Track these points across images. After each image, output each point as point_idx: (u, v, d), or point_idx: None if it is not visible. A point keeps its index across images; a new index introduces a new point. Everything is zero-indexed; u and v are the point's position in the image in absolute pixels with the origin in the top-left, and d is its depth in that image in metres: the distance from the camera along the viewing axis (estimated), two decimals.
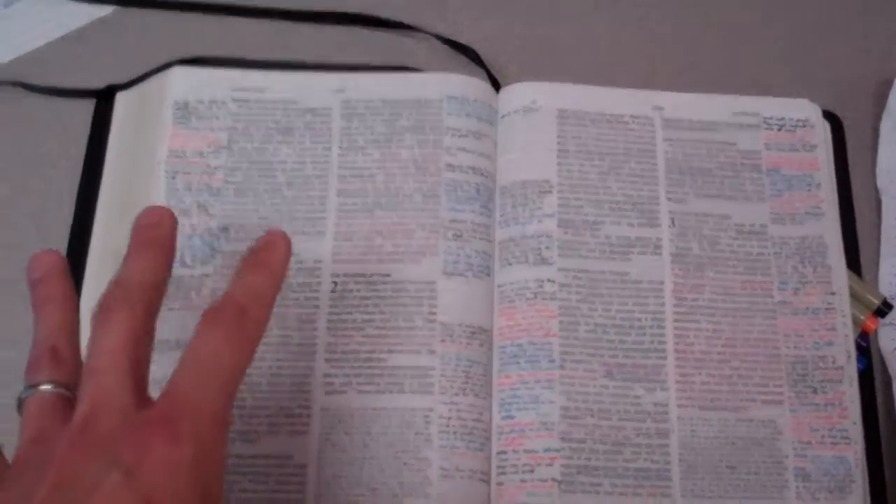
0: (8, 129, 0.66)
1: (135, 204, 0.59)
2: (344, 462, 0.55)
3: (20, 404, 0.42)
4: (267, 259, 0.44)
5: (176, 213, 0.57)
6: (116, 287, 0.42)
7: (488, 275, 0.60)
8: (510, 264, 0.60)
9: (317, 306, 0.58)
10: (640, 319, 0.59)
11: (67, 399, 0.41)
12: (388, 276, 0.58)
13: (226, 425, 0.39)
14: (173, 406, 0.37)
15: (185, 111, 0.62)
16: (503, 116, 0.64)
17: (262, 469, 0.55)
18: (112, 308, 0.41)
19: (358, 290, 0.58)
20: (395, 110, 0.63)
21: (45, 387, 0.42)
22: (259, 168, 0.61)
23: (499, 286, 0.60)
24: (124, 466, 0.35)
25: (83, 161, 0.64)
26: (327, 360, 0.57)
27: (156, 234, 0.45)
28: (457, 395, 0.56)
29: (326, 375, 0.57)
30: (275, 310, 0.54)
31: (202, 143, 0.62)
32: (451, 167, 0.61)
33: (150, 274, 0.43)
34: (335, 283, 0.58)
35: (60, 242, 0.62)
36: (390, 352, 0.57)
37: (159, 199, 0.60)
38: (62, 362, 0.43)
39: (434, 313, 0.58)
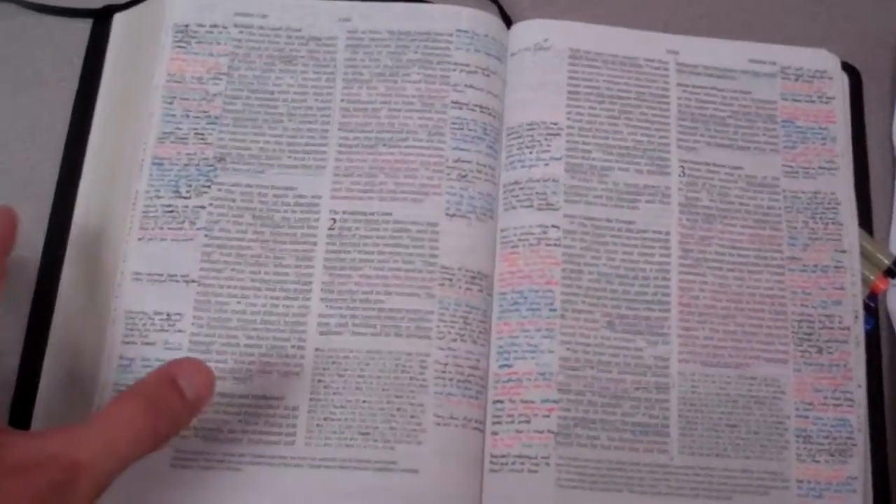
0: None
1: (130, 129, 0.58)
2: (336, 405, 0.53)
3: None
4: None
5: (171, 140, 0.57)
6: None
7: (492, 218, 0.58)
8: (514, 208, 0.58)
9: (314, 243, 0.56)
10: (644, 270, 0.57)
11: None
12: (389, 214, 0.57)
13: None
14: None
15: (185, 34, 0.60)
16: (513, 54, 0.62)
17: (251, 409, 0.54)
18: None
19: (357, 229, 0.56)
20: (401, 42, 0.60)
21: None
22: (259, 97, 0.59)
23: (502, 230, 0.58)
24: None
25: (78, 83, 0.62)
26: (323, 300, 0.55)
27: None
28: (454, 340, 0.55)
29: (322, 315, 0.55)
30: (270, 245, 0.54)
31: (201, 69, 0.60)
32: (457, 104, 0.59)
33: None
34: (334, 219, 0.57)
35: (52, 165, 0.60)
36: (388, 293, 0.55)
37: (155, 124, 0.58)
38: None
39: (435, 255, 0.56)
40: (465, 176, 0.58)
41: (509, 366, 0.55)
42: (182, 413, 0.45)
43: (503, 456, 0.54)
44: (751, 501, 0.54)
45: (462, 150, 0.58)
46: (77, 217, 0.58)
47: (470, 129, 0.59)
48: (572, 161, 0.59)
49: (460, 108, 0.59)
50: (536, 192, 0.58)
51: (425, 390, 0.54)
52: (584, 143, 0.59)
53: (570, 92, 0.60)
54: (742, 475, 0.55)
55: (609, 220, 0.58)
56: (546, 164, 0.59)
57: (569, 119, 0.60)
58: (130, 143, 0.58)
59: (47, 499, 0.39)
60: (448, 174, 0.57)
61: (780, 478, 0.55)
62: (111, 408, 0.43)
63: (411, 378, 0.54)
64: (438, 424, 0.53)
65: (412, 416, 0.53)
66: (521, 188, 0.58)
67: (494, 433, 0.55)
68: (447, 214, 0.57)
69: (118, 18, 0.63)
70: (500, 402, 0.55)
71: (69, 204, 0.58)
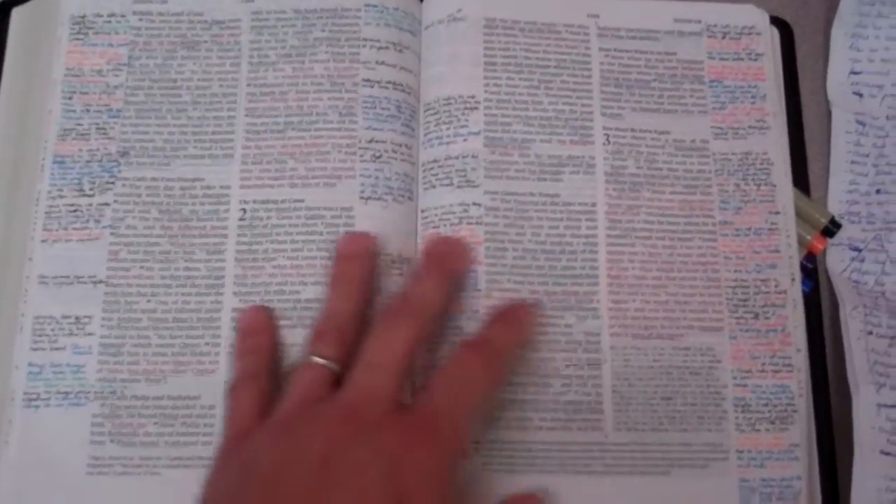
0: None
1: (31, 128, 0.56)
2: None
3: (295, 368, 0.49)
4: (521, 320, 0.52)
5: (72, 137, 0.55)
6: (406, 300, 0.49)
7: (410, 199, 0.56)
8: (434, 187, 0.56)
9: (224, 235, 0.54)
10: (571, 244, 0.56)
11: (337, 377, 0.47)
12: (302, 201, 0.55)
13: (470, 435, 0.48)
14: (435, 416, 0.45)
15: (82, 26, 0.58)
16: (427, 27, 0.59)
17: (168, 411, 0.52)
18: (400, 315, 0.48)
19: (269, 218, 0.55)
20: (308, 21, 0.58)
21: (322, 361, 0.48)
22: (162, 86, 0.57)
23: (422, 211, 0.56)
24: (388, 456, 0.42)
25: None
26: (236, 294, 0.54)
27: (450, 266, 0.53)
28: None
29: (235, 310, 0.53)
30: (179, 240, 0.53)
31: (101, 61, 0.57)
32: (369, 82, 0.57)
33: (438, 296, 0.50)
34: (244, 209, 0.55)
35: None
36: (303, 284, 0.54)
37: (55, 120, 0.56)
38: (344, 344, 0.49)
39: None
40: (379, 157, 0.56)
41: (434, 350, 0.54)
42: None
43: None
44: (690, 475, 0.53)
45: (375, 129, 0.56)
46: None
47: (383, 108, 0.57)
48: (491, 135, 0.57)
49: (372, 87, 0.57)
50: (456, 170, 0.56)
51: None
52: (503, 115, 0.57)
53: (486, 63, 0.58)
54: (680, 448, 0.54)
55: (532, 195, 0.56)
56: (464, 140, 0.57)
57: (486, 91, 0.58)
58: (32, 143, 0.56)
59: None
60: (361, 156, 0.56)
61: (720, 449, 0.54)
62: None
63: None
64: None
65: None
66: (440, 166, 0.57)
67: None
68: (362, 198, 0.55)
69: (16, 13, 0.60)
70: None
71: None
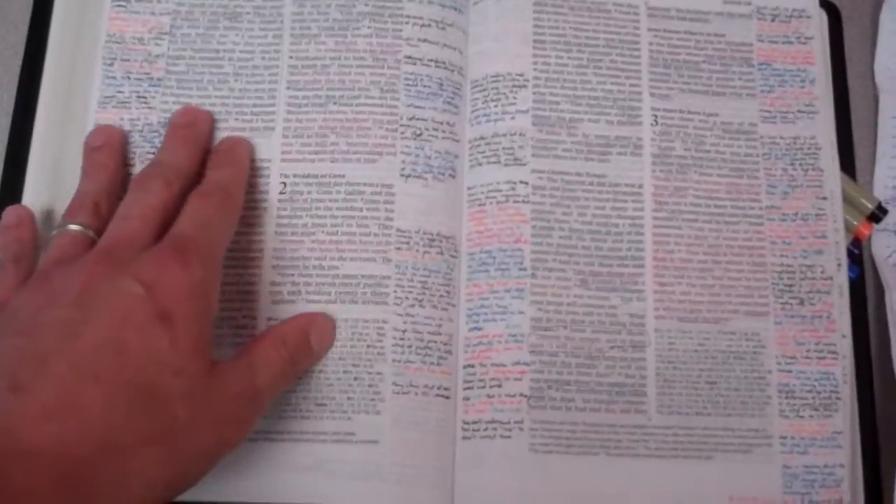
0: None
1: (75, 95, 0.56)
2: None
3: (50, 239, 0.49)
4: (236, 156, 0.53)
5: (113, 105, 0.55)
6: (156, 165, 0.51)
7: (452, 177, 0.55)
8: (480, 165, 0.56)
9: (264, 209, 0.54)
10: (617, 225, 0.55)
11: (93, 242, 0.48)
12: (342, 177, 0.54)
13: (220, 265, 0.48)
14: (183, 241, 0.46)
15: None
16: (475, 3, 0.59)
17: None
18: (150, 177, 0.50)
19: (309, 192, 0.54)
20: None
21: (76, 227, 0.49)
22: (204, 57, 0.56)
23: (468, 188, 0.56)
24: (145, 282, 0.43)
25: (24, 49, 0.59)
26: (274, 268, 0.53)
27: (193, 132, 0.54)
28: (412, 306, 0.53)
29: (273, 283, 0.53)
30: None
31: (143, 28, 0.57)
32: (411, 59, 0.56)
33: (182, 157, 0.52)
34: (284, 183, 0.54)
35: (0, 128, 0.58)
36: (342, 259, 0.53)
37: (96, 87, 0.56)
38: (99, 215, 0.50)
39: (390, 218, 0.54)
40: (419, 135, 0.55)
41: (479, 329, 0.53)
42: (306, 364, 0.51)
43: (475, 422, 0.52)
44: (733, 460, 0.53)
45: (417, 107, 0.56)
46: (28, 188, 0.55)
47: (424, 86, 0.56)
48: (539, 113, 0.56)
49: (414, 64, 0.56)
50: (503, 148, 0.56)
51: (383, 358, 0.52)
52: (551, 94, 0.57)
53: (535, 41, 0.58)
54: (723, 433, 0.53)
55: (579, 174, 0.56)
56: (512, 118, 0.56)
57: (535, 70, 0.57)
58: (79, 111, 0.56)
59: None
60: (402, 133, 0.55)
61: (763, 434, 0.53)
62: (254, 349, 0.48)
63: (368, 346, 0.52)
64: (397, 393, 0.51)
65: (370, 386, 0.51)
66: (487, 143, 0.56)
67: (466, 399, 0.53)
68: (402, 175, 0.54)
69: None
70: (471, 366, 0.53)
71: (19, 176, 0.55)
